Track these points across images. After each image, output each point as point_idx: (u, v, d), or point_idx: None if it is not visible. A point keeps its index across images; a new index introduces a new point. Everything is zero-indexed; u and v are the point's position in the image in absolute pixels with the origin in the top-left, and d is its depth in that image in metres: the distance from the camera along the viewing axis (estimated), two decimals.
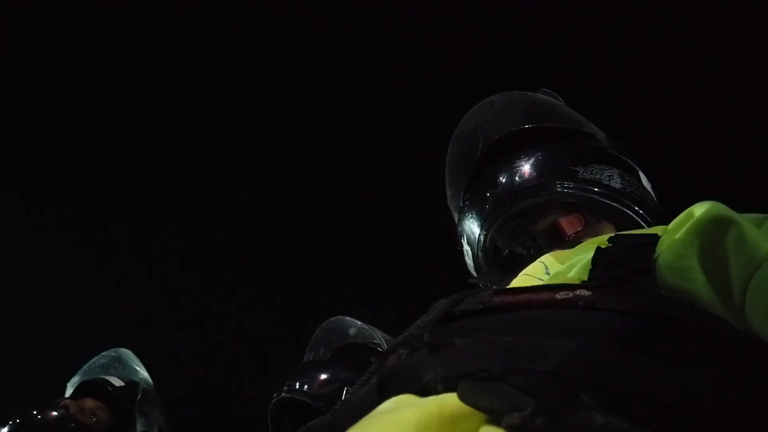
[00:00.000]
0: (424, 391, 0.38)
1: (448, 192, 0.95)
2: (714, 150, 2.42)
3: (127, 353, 1.70)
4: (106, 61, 3.17)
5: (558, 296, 0.43)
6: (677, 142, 2.44)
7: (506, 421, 0.31)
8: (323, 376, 1.41)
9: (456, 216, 0.92)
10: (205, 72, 3.19)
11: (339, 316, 1.63)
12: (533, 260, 0.66)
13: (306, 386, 1.38)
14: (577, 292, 0.43)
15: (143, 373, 1.66)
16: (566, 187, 0.79)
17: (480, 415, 0.33)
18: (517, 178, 0.81)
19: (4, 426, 1.42)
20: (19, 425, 1.41)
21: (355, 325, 1.62)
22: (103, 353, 1.71)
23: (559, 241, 0.77)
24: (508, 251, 0.81)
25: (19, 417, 1.42)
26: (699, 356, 0.37)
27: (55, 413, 1.43)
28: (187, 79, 3.17)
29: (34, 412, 1.43)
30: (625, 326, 0.40)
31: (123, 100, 3.15)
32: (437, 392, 0.37)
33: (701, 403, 0.33)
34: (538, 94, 0.97)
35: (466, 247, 0.88)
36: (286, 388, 1.40)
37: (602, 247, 0.51)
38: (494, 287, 0.48)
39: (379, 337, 1.55)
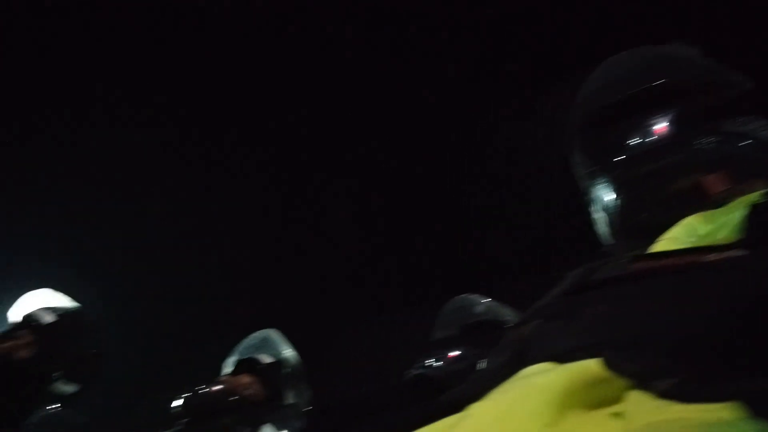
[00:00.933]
0: (563, 359, 0.37)
1: (574, 159, 0.91)
2: None
3: (274, 333, 1.85)
4: None
5: (706, 258, 0.41)
6: None
7: (655, 387, 0.30)
8: (454, 353, 1.43)
9: (584, 183, 0.88)
10: None
11: (466, 294, 1.64)
12: (674, 224, 0.62)
13: (438, 363, 1.40)
14: (728, 253, 0.40)
15: (289, 350, 1.80)
16: (708, 143, 0.73)
17: (623, 382, 0.32)
18: (651, 138, 0.76)
19: (177, 399, 1.62)
20: (188, 399, 1.59)
21: (482, 302, 1.62)
22: (253, 334, 1.87)
23: (703, 201, 0.70)
24: (646, 215, 0.76)
25: (188, 392, 1.60)
26: None
27: (216, 388, 1.60)
28: None
29: (199, 389, 1.61)
30: None
31: None
32: (577, 360, 0.37)
33: None
34: (669, 46, 0.89)
35: (598, 215, 0.84)
36: (418, 365, 1.43)
37: (756, 204, 0.46)
38: (633, 254, 0.45)
39: (507, 314, 1.53)
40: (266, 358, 1.70)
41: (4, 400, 1.65)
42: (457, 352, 1.43)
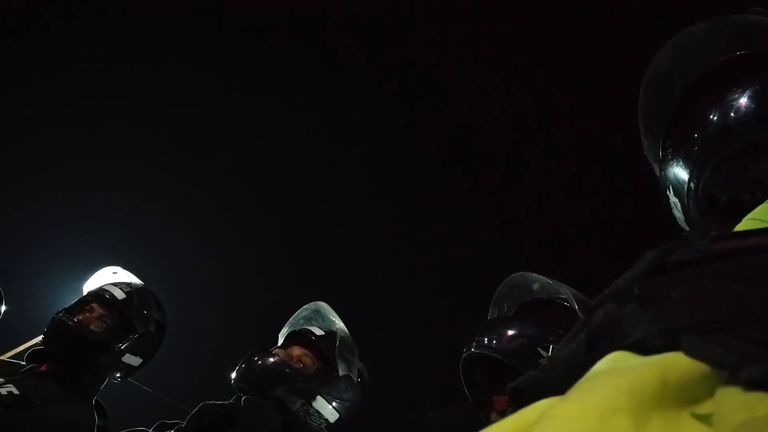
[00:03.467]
0: (639, 347, 0.36)
1: (645, 142, 0.85)
2: None
3: (325, 306, 1.88)
4: None
5: None
6: None
7: (744, 375, 0.28)
8: (511, 332, 1.40)
9: (656, 167, 0.83)
10: None
11: (522, 272, 1.60)
12: (758, 205, 0.57)
13: (495, 342, 1.38)
14: None
15: (339, 323, 1.82)
16: None
17: (711, 378, 0.30)
18: (731, 114, 0.70)
19: (234, 370, 1.67)
20: (245, 369, 1.64)
21: (539, 280, 1.58)
22: (304, 306, 1.90)
23: None
24: (726, 198, 0.70)
25: (245, 363, 1.65)
26: None
27: (271, 359, 1.64)
28: None
29: (256, 358, 1.65)
30: None
31: None
32: (655, 347, 0.34)
33: None
34: (748, 16, 0.82)
35: (674, 199, 0.78)
36: (474, 343, 1.41)
37: None
38: (713, 233, 0.42)
39: (566, 292, 1.49)
40: (317, 331, 1.71)
41: (78, 370, 1.75)
42: (513, 332, 1.40)
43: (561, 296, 1.50)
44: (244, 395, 1.62)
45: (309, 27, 4.59)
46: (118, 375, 1.89)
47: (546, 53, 4.25)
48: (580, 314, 1.32)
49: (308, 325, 1.81)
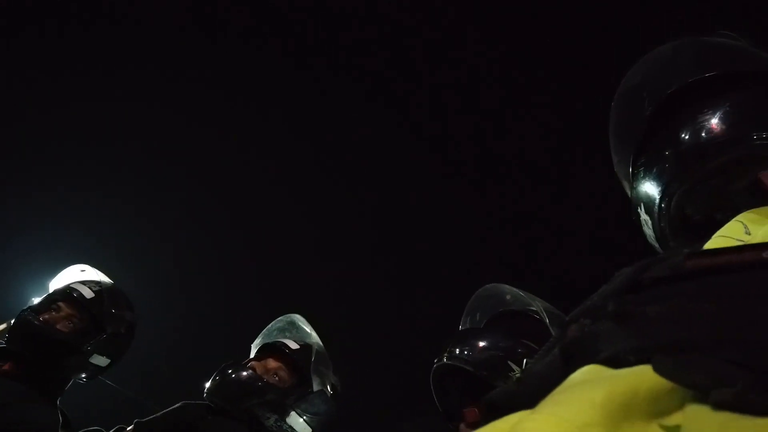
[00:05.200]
0: (613, 362, 0.36)
1: (615, 159, 0.86)
2: None
3: (300, 318, 1.85)
4: None
5: (766, 255, 0.38)
6: None
7: (714, 397, 0.28)
8: (482, 344, 1.41)
9: (626, 184, 0.84)
10: None
11: (496, 283, 1.61)
12: (729, 221, 0.59)
13: (466, 353, 1.38)
14: None
15: (314, 335, 1.79)
16: (766, 137, 0.68)
17: (680, 391, 0.31)
18: (704, 134, 0.71)
19: (209, 381, 1.63)
20: (219, 382, 1.60)
21: (511, 291, 1.59)
22: (279, 318, 1.88)
23: (762, 199, 0.66)
24: (700, 217, 0.71)
25: (219, 374, 1.62)
26: None
27: (245, 373, 1.60)
28: None
29: (230, 371, 1.62)
30: None
31: None
32: (628, 363, 0.35)
33: None
34: (714, 38, 0.84)
35: (645, 216, 0.79)
36: (446, 354, 1.41)
37: None
38: (686, 250, 0.43)
39: (537, 305, 1.50)
40: (292, 344, 1.69)
41: (43, 370, 1.70)
42: (484, 343, 1.41)
43: (532, 308, 1.51)
44: (216, 407, 1.60)
45: (273, 21, 4.59)
46: (84, 375, 1.84)
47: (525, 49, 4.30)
48: (550, 328, 1.33)
49: (282, 337, 1.79)
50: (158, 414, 1.62)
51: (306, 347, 1.70)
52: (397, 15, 4.43)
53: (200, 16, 4.59)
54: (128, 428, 1.62)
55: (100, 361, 1.82)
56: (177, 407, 1.63)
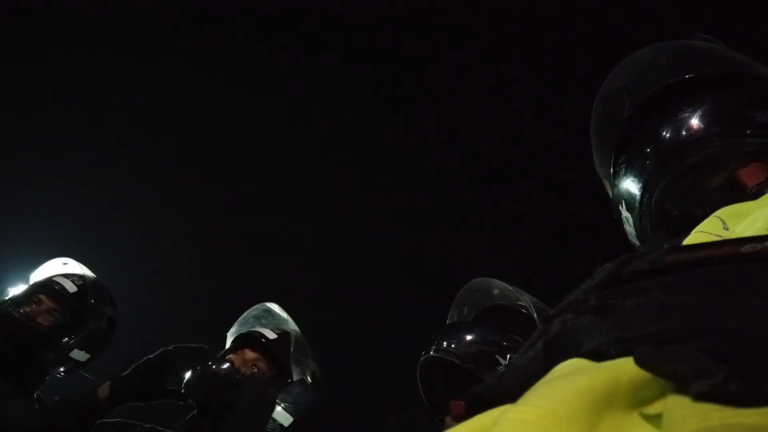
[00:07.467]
0: (595, 354, 0.36)
1: (596, 159, 0.88)
2: None
3: (275, 306, 1.81)
4: None
5: (744, 249, 0.39)
6: None
7: (694, 388, 0.29)
8: (470, 337, 1.41)
9: (606, 183, 0.86)
10: None
11: (484, 277, 1.62)
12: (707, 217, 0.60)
13: (453, 346, 1.39)
14: (766, 244, 0.38)
15: (291, 323, 1.76)
16: (743, 135, 0.70)
17: (662, 381, 0.31)
18: (683, 131, 0.73)
19: (188, 374, 1.60)
20: (199, 378, 1.55)
21: (499, 286, 1.60)
22: (254, 306, 1.83)
23: (739, 194, 0.68)
24: (679, 212, 0.73)
25: (199, 371, 1.58)
26: None
27: (224, 366, 1.57)
28: None
29: (210, 363, 1.59)
30: None
31: None
32: (610, 356, 0.35)
33: None
34: (693, 42, 0.86)
35: (626, 214, 0.81)
36: (434, 347, 1.42)
37: None
38: (666, 246, 0.44)
39: (525, 300, 1.51)
40: (269, 334, 1.66)
41: (21, 364, 1.67)
42: (471, 336, 1.42)
43: (520, 303, 1.52)
44: (195, 403, 1.57)
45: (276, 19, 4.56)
46: (62, 370, 1.82)
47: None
48: (538, 322, 1.34)
49: (258, 325, 1.74)
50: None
51: (284, 336, 1.66)
52: (398, 11, 4.42)
53: (190, 8, 4.54)
54: (100, 388, 1.58)
55: (80, 356, 1.80)
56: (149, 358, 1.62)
